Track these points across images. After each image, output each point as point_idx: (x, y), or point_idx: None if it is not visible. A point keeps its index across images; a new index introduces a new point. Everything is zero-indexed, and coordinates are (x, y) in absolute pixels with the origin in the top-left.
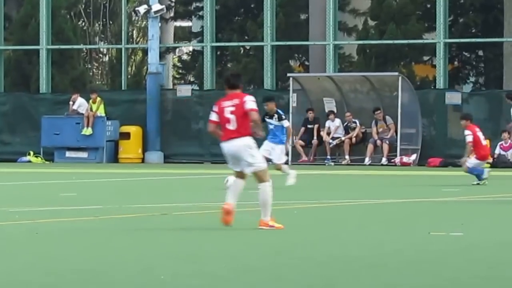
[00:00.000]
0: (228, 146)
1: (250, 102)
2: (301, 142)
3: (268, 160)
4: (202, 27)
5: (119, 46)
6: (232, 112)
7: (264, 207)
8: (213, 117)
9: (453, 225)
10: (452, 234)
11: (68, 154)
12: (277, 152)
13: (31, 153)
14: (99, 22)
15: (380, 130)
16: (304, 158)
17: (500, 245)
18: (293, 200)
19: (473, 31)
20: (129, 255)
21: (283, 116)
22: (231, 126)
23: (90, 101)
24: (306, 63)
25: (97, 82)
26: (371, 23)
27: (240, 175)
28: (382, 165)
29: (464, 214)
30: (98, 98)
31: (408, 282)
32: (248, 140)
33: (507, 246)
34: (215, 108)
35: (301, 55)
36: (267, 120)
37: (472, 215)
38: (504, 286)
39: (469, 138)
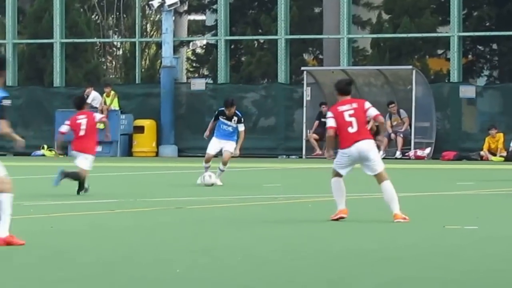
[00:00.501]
0: (354, 150)
1: (373, 108)
2: (315, 135)
3: (215, 156)
4: (216, 20)
5: (133, 40)
6: (351, 115)
7: (392, 202)
8: (332, 122)
9: (467, 218)
10: (466, 228)
11: None
12: (230, 144)
13: (45, 146)
14: (112, 16)
15: (394, 123)
16: (318, 151)
17: None
18: (307, 194)
19: (487, 24)
20: (144, 248)
21: (242, 120)
22: (353, 129)
23: (104, 94)
24: (320, 56)
25: (111, 76)
26: (385, 16)
27: (341, 175)
28: (396, 158)
29: (479, 207)
30: (112, 92)
31: (423, 275)
32: (373, 143)
33: None
34: (331, 114)
35: (315, 49)
36: (223, 121)
37: (487, 209)
38: None
39: None
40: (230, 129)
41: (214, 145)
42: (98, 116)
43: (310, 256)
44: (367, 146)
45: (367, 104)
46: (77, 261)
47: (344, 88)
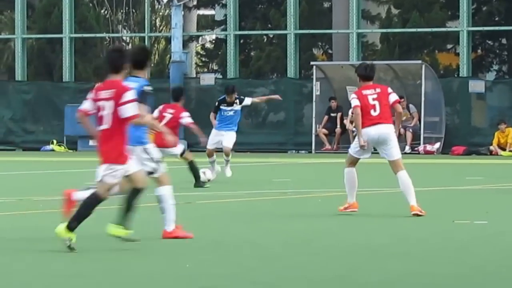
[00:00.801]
0: (375, 131)
1: (394, 94)
2: (324, 130)
3: (218, 150)
4: (226, 15)
5: (142, 35)
6: (375, 99)
7: (409, 193)
8: (357, 101)
9: (477, 213)
10: (476, 223)
11: (92, 142)
12: (230, 136)
13: (54, 141)
14: (122, 11)
15: (404, 118)
16: (328, 146)
17: None
18: (317, 189)
19: (497, 19)
20: (153, 243)
21: (242, 97)
22: (376, 112)
23: None
24: (329, 51)
25: None
26: (394, 11)
27: (356, 163)
28: (405, 153)
29: (488, 202)
30: None
31: (433, 270)
32: (393, 128)
33: None
34: (355, 96)
35: (325, 44)
36: (224, 108)
37: (496, 204)
38: None
39: None
40: (231, 113)
41: (213, 139)
42: (185, 119)
43: (320, 251)
44: (388, 130)
45: (390, 89)
46: (87, 256)
47: (366, 73)
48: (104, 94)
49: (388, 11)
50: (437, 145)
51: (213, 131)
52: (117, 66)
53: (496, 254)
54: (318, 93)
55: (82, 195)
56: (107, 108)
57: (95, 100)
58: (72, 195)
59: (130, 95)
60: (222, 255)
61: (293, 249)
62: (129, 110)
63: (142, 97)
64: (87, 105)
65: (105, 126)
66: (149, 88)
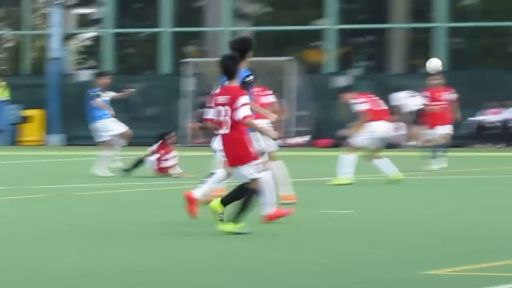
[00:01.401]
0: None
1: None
2: (199, 124)
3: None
4: (104, 14)
5: (22, 32)
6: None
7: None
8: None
9: (343, 203)
10: (340, 212)
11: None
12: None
13: None
14: (3, 8)
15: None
16: (203, 139)
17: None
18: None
19: (364, 17)
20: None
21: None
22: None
23: None
24: (204, 48)
25: (1, 67)
26: (266, 9)
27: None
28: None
29: (354, 194)
30: (3, 83)
31: (291, 257)
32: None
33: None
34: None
35: (199, 41)
36: (104, 94)
37: (363, 195)
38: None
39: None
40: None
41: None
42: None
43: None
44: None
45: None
46: (95, 247)
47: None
48: (220, 99)
49: (260, 10)
50: (305, 138)
51: (107, 120)
52: (231, 72)
53: (361, 240)
54: (192, 88)
55: (201, 191)
56: (224, 112)
57: (214, 105)
58: (192, 194)
59: (244, 99)
60: (207, 247)
61: (301, 238)
62: (242, 112)
63: (244, 87)
64: (211, 113)
65: (225, 130)
66: (250, 78)
